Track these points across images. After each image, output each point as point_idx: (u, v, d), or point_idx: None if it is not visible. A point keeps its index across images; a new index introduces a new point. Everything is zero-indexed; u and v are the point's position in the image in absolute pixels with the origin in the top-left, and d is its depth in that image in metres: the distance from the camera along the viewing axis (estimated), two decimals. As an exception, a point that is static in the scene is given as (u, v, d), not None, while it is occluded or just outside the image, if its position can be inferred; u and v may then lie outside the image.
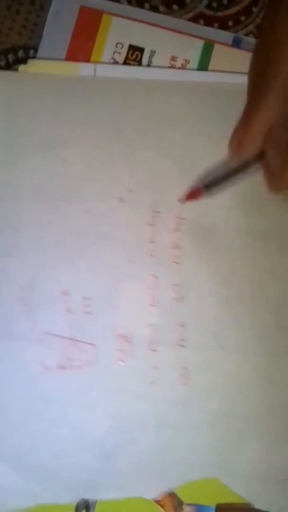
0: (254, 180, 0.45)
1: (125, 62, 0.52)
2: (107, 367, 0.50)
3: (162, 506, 0.50)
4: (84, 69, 0.51)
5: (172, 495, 0.50)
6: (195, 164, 0.50)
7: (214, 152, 0.50)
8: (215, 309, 0.50)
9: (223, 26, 0.53)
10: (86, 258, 0.50)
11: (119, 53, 0.52)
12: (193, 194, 0.49)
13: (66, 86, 0.51)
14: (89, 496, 0.50)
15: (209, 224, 0.50)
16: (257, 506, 0.50)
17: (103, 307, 0.50)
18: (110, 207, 0.50)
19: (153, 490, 0.50)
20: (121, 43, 0.52)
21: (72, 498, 0.50)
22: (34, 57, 0.52)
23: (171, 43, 0.53)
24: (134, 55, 0.52)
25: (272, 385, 0.49)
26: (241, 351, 0.50)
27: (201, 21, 0.53)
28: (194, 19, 0.53)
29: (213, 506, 0.50)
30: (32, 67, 0.51)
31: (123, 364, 0.50)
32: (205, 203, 0.50)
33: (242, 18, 0.54)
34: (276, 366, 0.50)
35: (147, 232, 0.50)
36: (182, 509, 0.50)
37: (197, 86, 0.51)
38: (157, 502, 0.50)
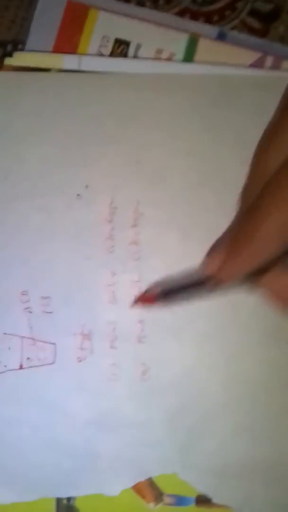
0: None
1: (111, 55, 0.53)
2: (67, 365, 0.50)
3: (143, 497, 0.51)
4: (67, 60, 0.52)
5: (153, 486, 0.51)
6: (152, 158, 0.51)
7: (170, 147, 0.50)
8: (173, 304, 0.50)
9: (209, 20, 0.54)
10: (43, 257, 0.50)
11: (106, 46, 0.53)
12: (145, 300, 0.47)
13: (24, 82, 0.52)
14: (51, 494, 0.51)
15: (167, 219, 0.50)
16: (215, 500, 0.50)
17: (62, 306, 0.50)
18: (66, 204, 0.50)
19: (112, 488, 0.51)
20: (107, 37, 0.53)
21: (35, 496, 0.51)
22: (22, 50, 0.52)
23: (156, 36, 0.53)
24: (120, 48, 0.53)
25: (229, 381, 0.50)
26: (199, 346, 0.50)
27: (187, 16, 0.53)
28: (180, 14, 0.54)
29: (193, 497, 0.51)
30: (18, 59, 0.52)
31: (83, 361, 0.50)
32: (162, 197, 0.50)
33: (227, 13, 0.53)
34: (233, 361, 0.50)
35: (105, 228, 0.50)
36: (162, 499, 0.51)
37: (166, 80, 0.52)
38: (138, 492, 0.50)
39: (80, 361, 0.50)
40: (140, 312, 0.50)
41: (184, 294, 0.43)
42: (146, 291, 0.47)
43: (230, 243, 0.38)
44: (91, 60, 0.52)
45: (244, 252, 0.36)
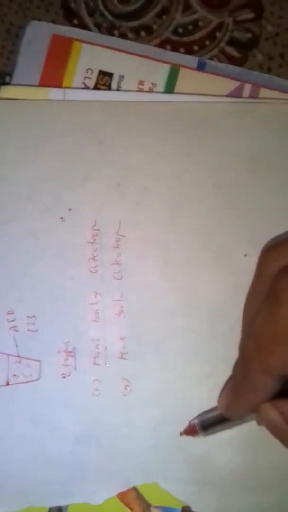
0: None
1: (95, 87, 0.54)
2: (52, 381, 0.52)
3: (131, 509, 0.52)
4: (53, 94, 0.53)
5: (140, 498, 0.52)
6: (134, 181, 0.52)
7: (151, 170, 0.52)
8: (154, 321, 0.52)
9: (189, 50, 0.55)
10: (29, 277, 0.52)
11: (90, 78, 0.54)
12: (189, 431, 0.50)
13: (11, 109, 0.53)
14: (39, 503, 0.52)
15: (147, 240, 0.52)
16: (194, 509, 0.51)
17: (47, 324, 0.52)
18: (51, 227, 0.52)
19: (98, 497, 0.52)
20: (91, 69, 0.54)
21: (24, 505, 0.52)
22: (9, 83, 0.54)
23: (138, 68, 0.54)
24: (104, 80, 0.54)
25: (209, 393, 0.50)
26: (179, 360, 0.52)
27: (168, 47, 0.55)
28: (161, 45, 0.55)
29: (179, 509, 0.52)
30: (5, 93, 0.53)
31: (67, 377, 0.52)
32: (143, 219, 0.52)
33: (207, 42, 0.55)
34: (212, 373, 0.51)
35: (88, 249, 0.52)
36: (150, 511, 0.52)
37: (147, 106, 0.53)
38: (127, 505, 0.52)
39: (65, 377, 0.52)
40: (122, 329, 0.52)
41: (216, 426, 0.49)
42: (189, 424, 0.51)
43: (231, 389, 0.45)
44: (76, 93, 0.54)
45: (242, 398, 0.43)
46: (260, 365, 0.40)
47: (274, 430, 0.43)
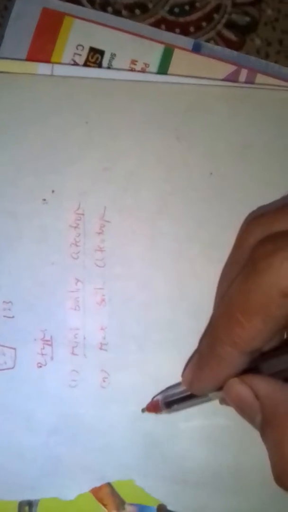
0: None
1: (85, 64, 0.53)
2: (27, 370, 0.50)
3: (105, 505, 0.50)
4: (41, 69, 0.52)
5: (114, 494, 0.50)
6: (121, 166, 0.51)
7: (140, 154, 0.51)
8: (136, 312, 0.50)
9: (185, 31, 0.54)
10: (6, 261, 0.50)
11: (80, 55, 0.53)
12: (151, 408, 0.49)
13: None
14: (9, 496, 0.50)
15: (133, 227, 0.50)
16: (170, 507, 0.50)
17: (23, 311, 0.50)
18: (32, 209, 0.50)
19: (70, 492, 0.50)
20: (81, 45, 0.53)
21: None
22: (-5, 56, 0.52)
23: (131, 46, 0.53)
24: (95, 57, 0.53)
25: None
26: (160, 353, 0.50)
27: (163, 26, 0.54)
28: (156, 24, 0.54)
29: (155, 507, 0.51)
30: (-9, 66, 0.51)
31: (43, 367, 0.50)
32: (129, 205, 0.51)
33: (203, 24, 0.54)
34: None
35: (70, 234, 0.50)
36: (124, 508, 0.51)
37: (139, 87, 0.52)
38: (100, 501, 0.50)
39: (41, 366, 0.50)
40: (103, 319, 0.50)
41: (180, 403, 0.47)
42: (152, 400, 0.49)
43: (196, 363, 0.43)
44: (65, 69, 0.52)
45: (207, 372, 0.41)
46: (229, 336, 0.38)
47: (242, 407, 0.40)
